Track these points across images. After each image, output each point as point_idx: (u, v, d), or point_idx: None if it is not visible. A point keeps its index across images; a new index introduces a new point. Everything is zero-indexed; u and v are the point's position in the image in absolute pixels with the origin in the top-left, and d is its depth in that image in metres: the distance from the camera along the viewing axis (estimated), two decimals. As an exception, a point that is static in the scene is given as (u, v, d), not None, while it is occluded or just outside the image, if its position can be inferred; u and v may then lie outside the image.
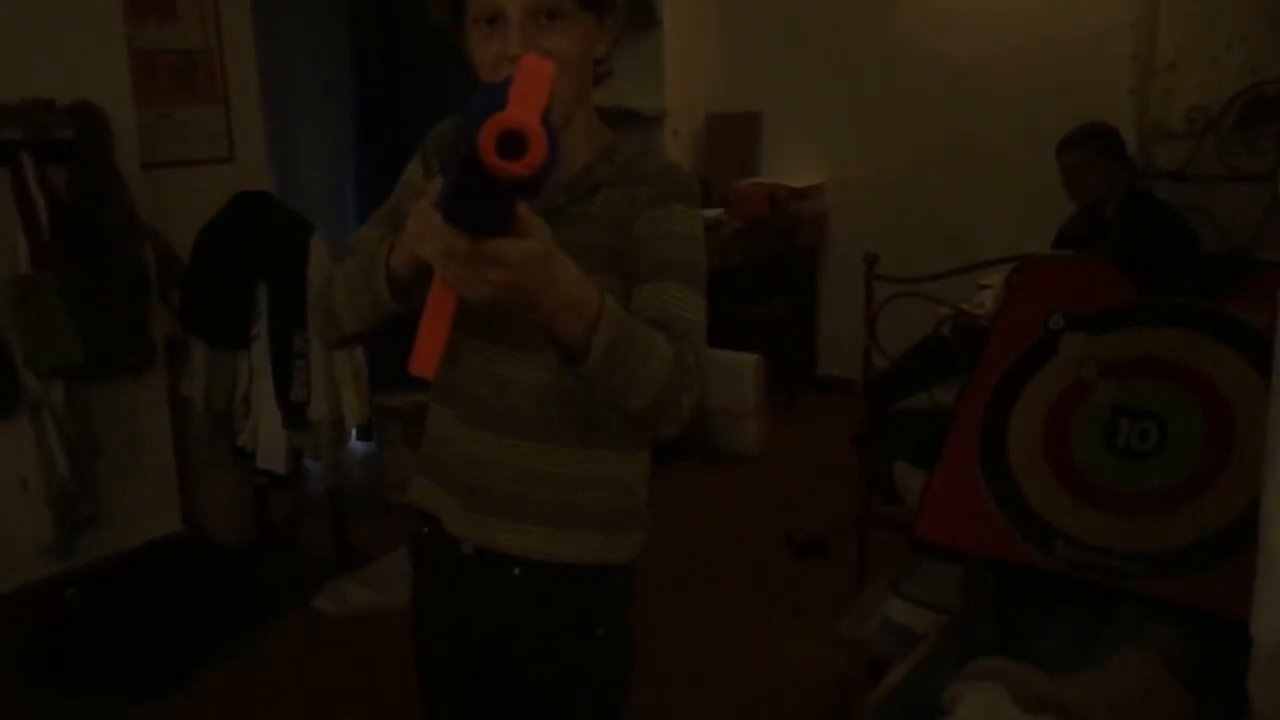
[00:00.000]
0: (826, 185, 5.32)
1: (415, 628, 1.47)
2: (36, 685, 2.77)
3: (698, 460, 4.39)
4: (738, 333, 4.45)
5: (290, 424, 3.22)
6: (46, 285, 2.93)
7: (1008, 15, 4.59)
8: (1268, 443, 0.99)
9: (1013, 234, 3.79)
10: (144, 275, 3.24)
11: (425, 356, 0.98)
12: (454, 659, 1.43)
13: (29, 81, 2.96)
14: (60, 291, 2.95)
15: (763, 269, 4.99)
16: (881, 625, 2.43)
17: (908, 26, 4.90)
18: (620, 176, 1.27)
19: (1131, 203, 3.42)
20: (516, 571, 1.31)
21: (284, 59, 4.44)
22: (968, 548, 1.98)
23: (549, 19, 1.17)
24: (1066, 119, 3.61)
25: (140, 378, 3.33)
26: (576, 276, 1.04)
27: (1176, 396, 1.85)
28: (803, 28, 5.23)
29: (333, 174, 4.80)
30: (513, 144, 0.84)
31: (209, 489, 3.55)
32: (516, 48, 1.14)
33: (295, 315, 3.18)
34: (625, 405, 1.13)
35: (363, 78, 4.70)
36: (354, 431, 3.58)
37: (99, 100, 3.10)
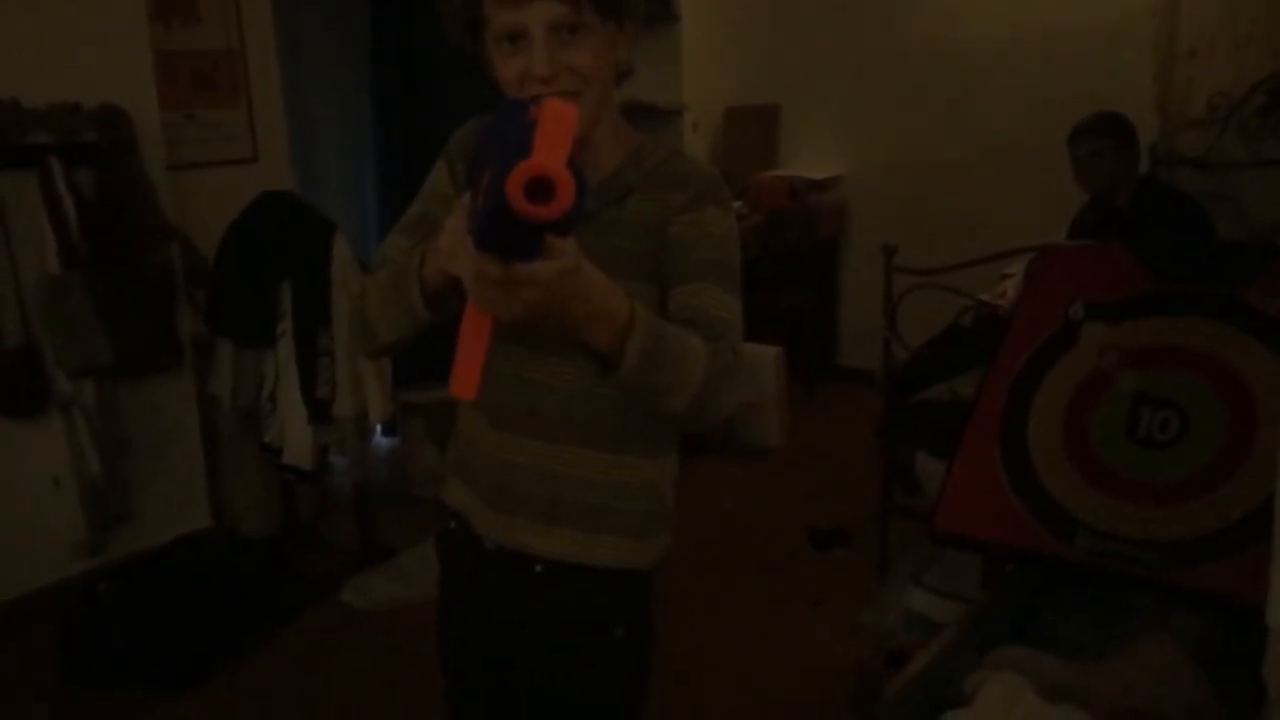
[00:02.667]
0: (846, 176, 5.31)
1: (439, 620, 1.49)
2: (72, 679, 2.82)
3: (719, 452, 4.41)
4: (758, 325, 4.43)
5: (315, 421, 3.26)
6: (75, 286, 2.98)
7: (1026, 4, 4.56)
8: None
9: (1034, 223, 3.79)
10: (170, 275, 3.29)
11: (466, 379, 0.99)
12: (475, 652, 1.44)
13: (55, 85, 3.01)
14: (89, 292, 3.00)
15: (782, 261, 4.99)
16: (903, 615, 2.45)
17: (925, 16, 4.88)
18: (651, 181, 1.27)
19: (1142, 190, 3.39)
20: (538, 569, 1.32)
21: (305, 60, 4.47)
22: (988, 538, 1.99)
23: (571, 33, 1.16)
24: (1086, 108, 3.59)
25: (168, 376, 3.38)
26: (606, 286, 1.05)
27: (1197, 385, 1.85)
28: (820, 20, 5.22)
29: (354, 174, 4.83)
30: (541, 189, 0.86)
31: (237, 485, 3.59)
32: (542, 67, 1.15)
33: (319, 313, 3.21)
34: (664, 409, 1.14)
35: (384, 78, 4.73)
36: (378, 428, 3.61)
37: (124, 103, 3.14)
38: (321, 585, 3.29)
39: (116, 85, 3.16)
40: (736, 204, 4.92)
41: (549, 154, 0.87)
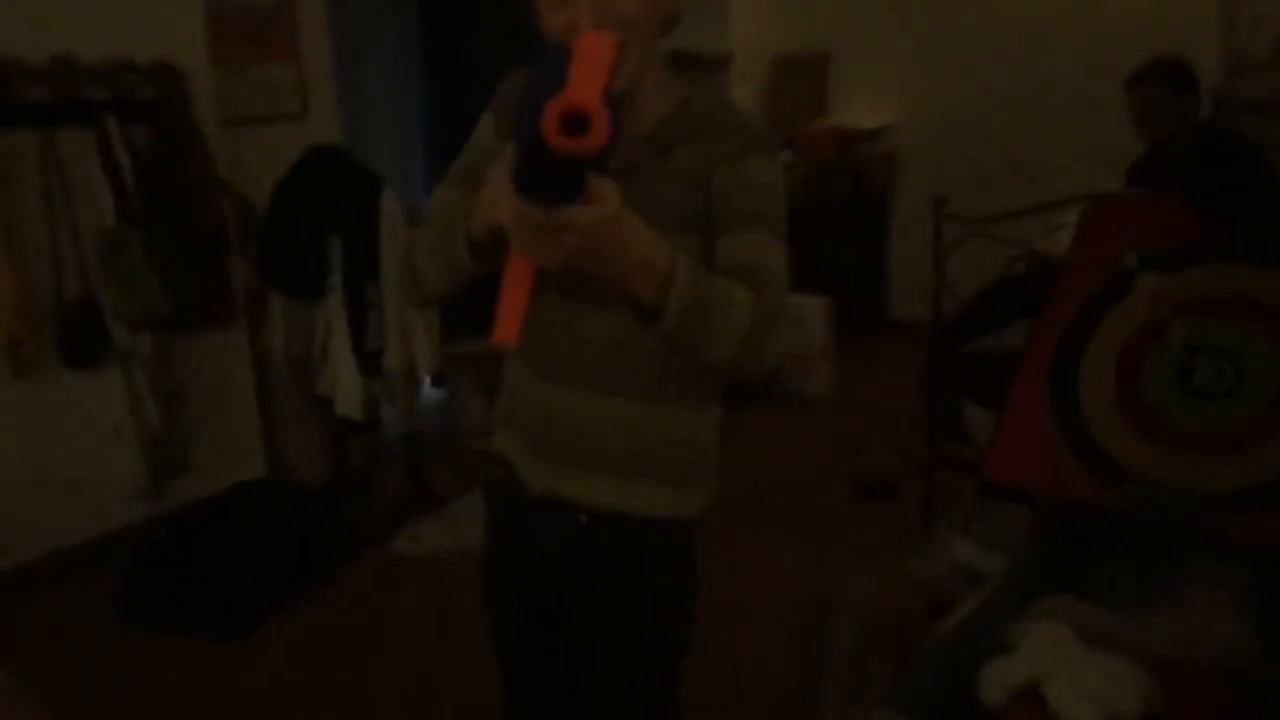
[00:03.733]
0: (895, 126, 5.23)
1: (484, 568, 1.52)
2: (131, 622, 2.92)
3: (767, 403, 4.40)
4: (806, 276, 4.41)
5: (366, 372, 3.31)
6: (132, 240, 3.04)
7: (1085, -55, 4.44)
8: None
9: (1089, 172, 3.70)
10: (223, 229, 3.34)
11: (508, 325, 1.00)
12: (520, 600, 1.47)
13: (109, 41, 3.05)
14: (145, 246, 3.06)
15: (831, 211, 4.94)
16: (948, 566, 2.44)
17: (980, -40, 4.76)
18: (697, 131, 1.26)
19: (1202, 138, 3.30)
20: (582, 519, 1.34)
21: (355, 14, 4.48)
22: (1036, 488, 1.97)
23: None
24: (1145, 52, 3.49)
25: (223, 329, 3.45)
26: (648, 237, 1.06)
27: (1252, 334, 1.81)
28: (871, -35, 5.12)
29: (403, 128, 4.85)
30: (576, 123, 0.85)
31: (290, 435, 3.67)
32: (588, 17, 1.14)
33: (369, 267, 3.25)
34: (708, 357, 1.14)
35: (433, 32, 4.72)
36: (427, 379, 3.66)
37: (176, 59, 3.18)
38: (373, 533, 3.37)
39: (168, 41, 3.20)
40: (784, 155, 4.87)
41: (584, 87, 0.86)
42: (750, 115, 1.32)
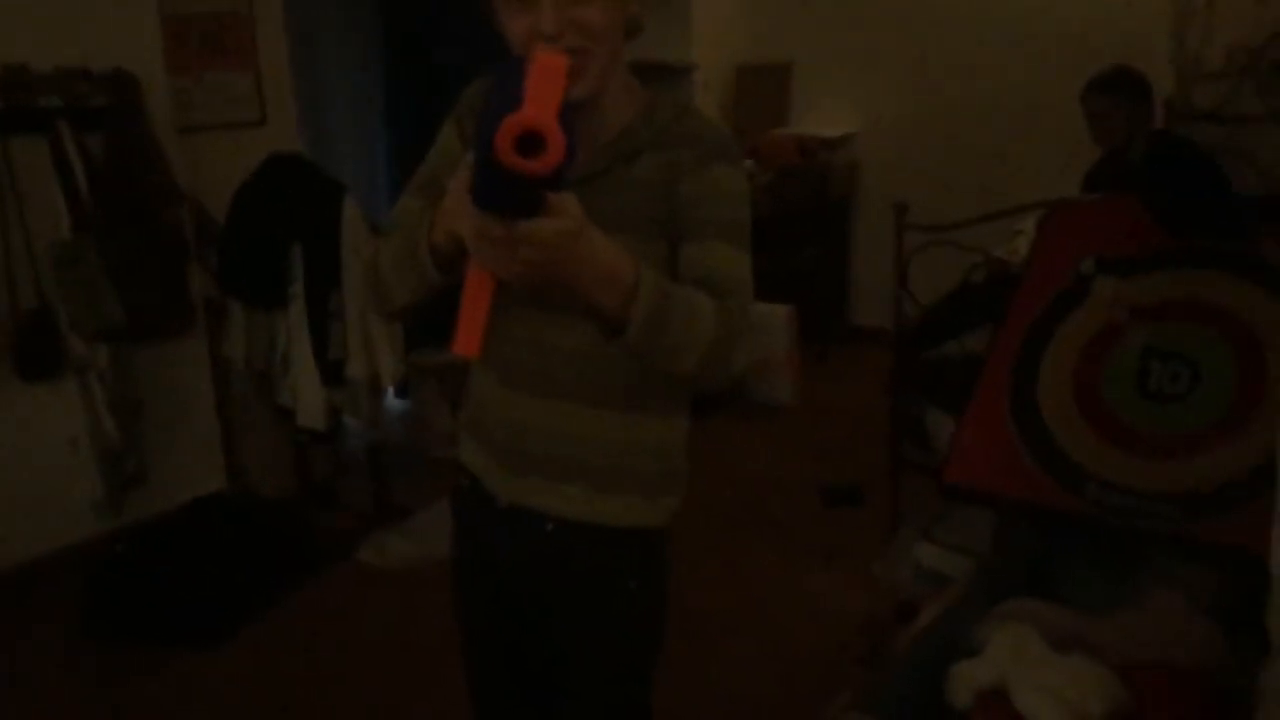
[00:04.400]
0: (858, 135, 5.27)
1: (453, 578, 1.50)
2: (94, 637, 2.86)
3: (732, 411, 4.42)
4: (769, 284, 4.42)
5: (328, 382, 3.28)
6: (87, 249, 2.99)
7: (1041, -44, 4.51)
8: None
9: (1047, 179, 3.75)
10: (182, 238, 3.30)
11: (468, 337, 1.00)
12: (490, 610, 1.46)
13: (63, 50, 3.00)
14: (101, 255, 3.01)
15: (794, 220, 4.97)
16: (914, 570, 2.46)
17: (938, -30, 4.82)
18: (661, 139, 1.25)
19: (1157, 145, 3.36)
20: (549, 527, 1.33)
21: (314, 22, 4.45)
22: (997, 491, 1.99)
23: None
24: (1099, 61, 3.54)
25: (181, 339, 3.40)
26: (611, 250, 1.05)
27: (1208, 338, 1.84)
28: (831, -26, 5.17)
29: (364, 135, 4.82)
30: (531, 143, 0.85)
31: (251, 446, 3.62)
32: (550, 24, 1.13)
33: (330, 275, 3.22)
34: (673, 369, 1.14)
35: (394, 39, 4.70)
36: (391, 390, 3.64)
37: (132, 66, 3.14)
38: (337, 545, 3.33)
39: (124, 49, 3.15)
40: (747, 163, 4.90)
41: (539, 107, 0.86)
42: (714, 123, 1.32)
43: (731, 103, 5.43)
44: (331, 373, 3.27)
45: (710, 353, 1.13)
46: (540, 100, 0.87)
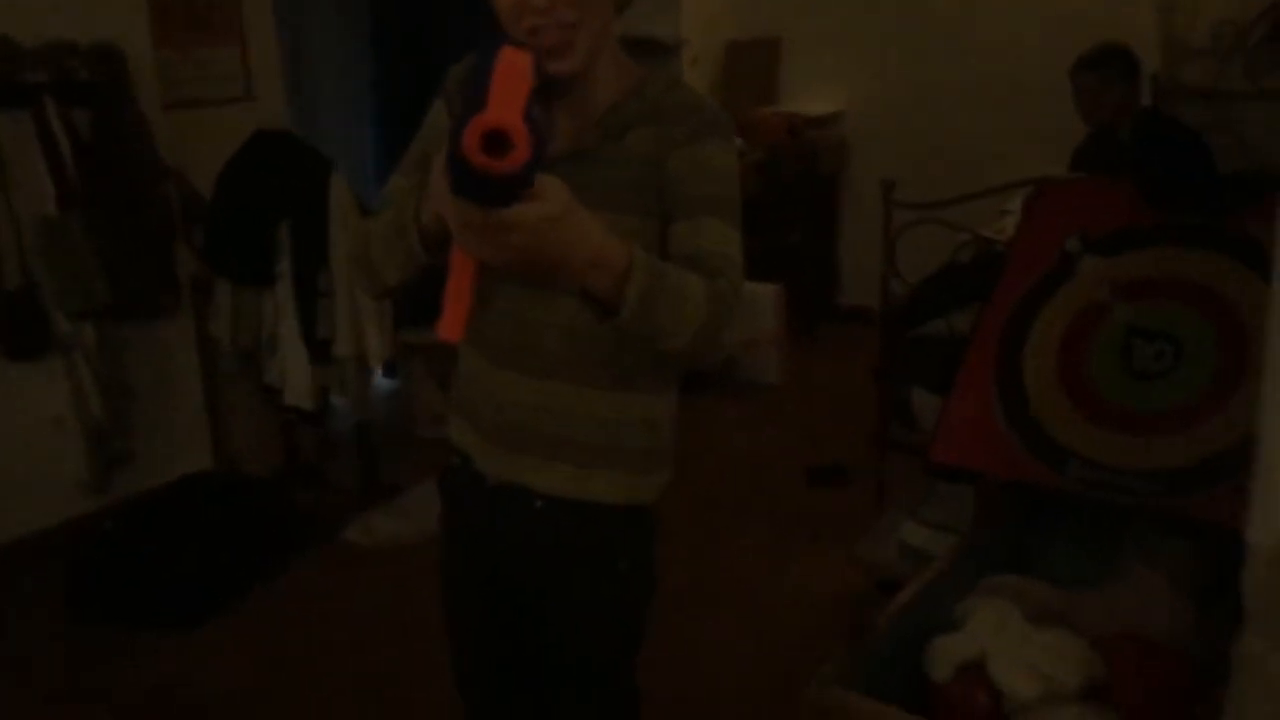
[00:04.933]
0: (847, 112, 5.26)
1: (441, 557, 1.51)
2: (78, 616, 2.87)
3: (720, 390, 4.43)
4: (757, 262, 4.40)
5: (316, 361, 3.27)
6: (73, 226, 2.98)
7: (1031, -66, 4.49)
8: (1265, 343, 1.00)
9: (1036, 157, 3.75)
10: (168, 215, 3.29)
11: (451, 321, 1.00)
12: (478, 587, 1.47)
13: (49, 24, 2.98)
14: (87, 232, 3.00)
15: (782, 198, 4.97)
16: (898, 548, 2.48)
17: (929, -52, 4.81)
18: (651, 115, 1.25)
19: (1144, 123, 3.36)
20: (538, 505, 1.34)
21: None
22: (981, 468, 2.00)
23: None
24: (1088, 39, 3.55)
25: (168, 317, 3.39)
26: (599, 232, 1.04)
27: (1192, 316, 1.85)
28: (822, -49, 5.14)
29: (352, 112, 4.79)
30: (498, 142, 0.86)
31: (239, 425, 3.62)
32: None
33: (318, 253, 3.21)
34: (665, 347, 1.14)
35: (382, 15, 4.67)
36: (379, 369, 3.63)
37: (118, 41, 3.12)
38: (325, 524, 3.34)
39: (111, 23, 3.13)
40: (737, 140, 4.88)
41: (503, 107, 0.87)
42: (705, 98, 1.31)
43: (720, 79, 5.41)
44: (319, 351, 3.26)
45: (701, 332, 1.13)
46: (504, 100, 0.88)
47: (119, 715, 2.52)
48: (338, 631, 2.83)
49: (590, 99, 1.25)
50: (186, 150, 3.44)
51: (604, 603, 1.40)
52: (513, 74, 0.89)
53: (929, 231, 2.81)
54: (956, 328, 2.73)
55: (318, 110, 4.67)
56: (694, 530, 3.23)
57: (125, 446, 3.27)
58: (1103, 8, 4.11)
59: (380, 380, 4.31)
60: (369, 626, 2.85)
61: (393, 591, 2.99)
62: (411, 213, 1.17)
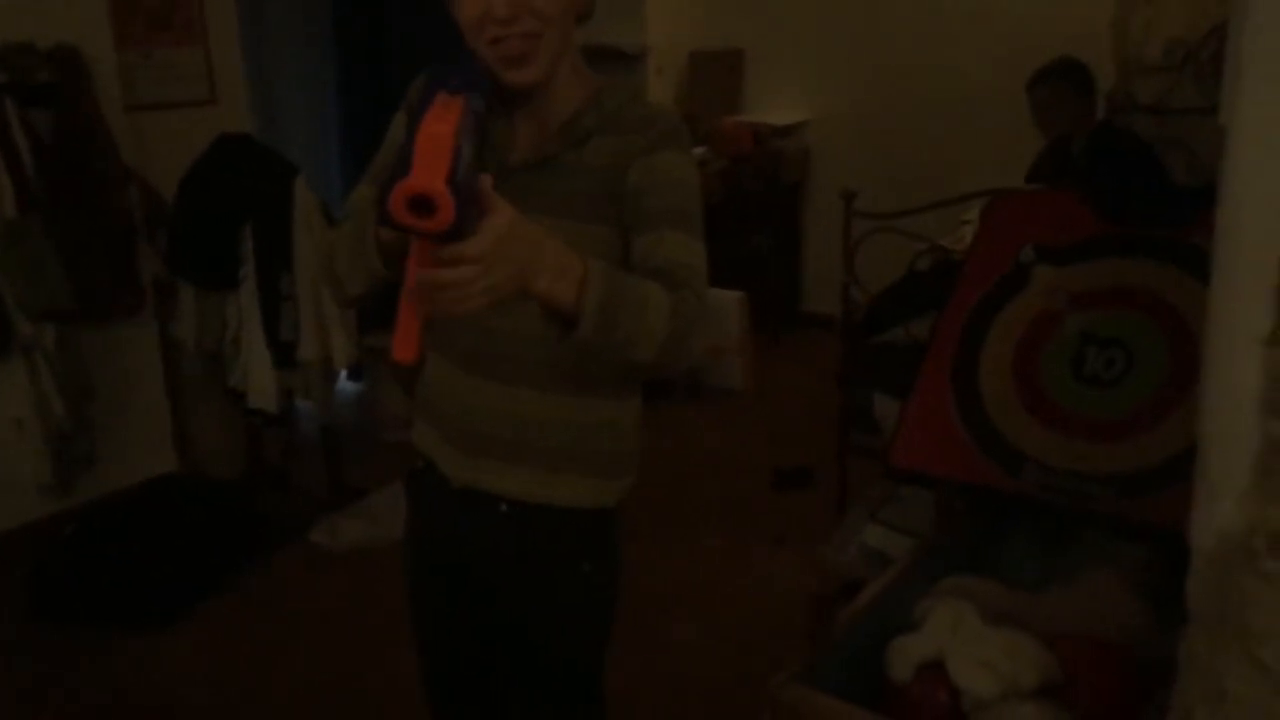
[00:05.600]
0: (810, 123, 5.32)
1: (406, 560, 1.52)
2: (42, 619, 2.84)
3: (686, 396, 4.46)
4: (721, 270, 4.43)
5: (280, 364, 3.26)
6: (33, 228, 2.95)
7: (990, -50, 4.58)
8: (1204, 345, 1.04)
9: (997, 169, 3.82)
10: (130, 218, 3.26)
11: (405, 343, 1.01)
12: (443, 590, 1.48)
13: (8, 24, 2.95)
14: (47, 234, 2.97)
15: (746, 207, 5.01)
16: (859, 550, 2.51)
17: (891, -39, 4.88)
18: (611, 124, 1.26)
19: (1098, 136, 3.44)
20: (503, 509, 1.35)
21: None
22: (940, 473, 2.04)
23: None
24: (1048, 53, 3.62)
25: (130, 320, 3.36)
26: (554, 249, 1.04)
27: (1142, 325, 1.90)
28: (786, -37, 5.20)
29: (317, 116, 4.77)
30: (423, 205, 0.89)
31: (202, 429, 3.60)
32: (502, 8, 1.15)
33: (282, 257, 3.20)
34: (632, 359, 1.13)
35: (345, 21, 4.65)
36: (343, 372, 3.63)
37: (78, 42, 3.09)
38: (290, 527, 3.32)
39: (70, 24, 3.11)
40: (699, 150, 4.93)
41: (427, 173, 0.90)
42: (663, 108, 1.33)
43: (685, 89, 5.45)
44: (283, 355, 3.25)
45: (666, 343, 1.12)
46: (429, 161, 0.91)
47: (84, 717, 2.50)
48: (303, 634, 2.83)
49: (551, 108, 1.27)
50: (149, 152, 3.42)
51: (570, 605, 1.41)
52: (432, 144, 0.92)
53: (889, 241, 2.87)
54: (916, 335, 2.79)
55: (280, 113, 4.64)
56: (660, 532, 3.26)
57: (88, 449, 3.24)
58: (1059, 25, 4.20)
59: (345, 384, 4.30)
60: (335, 629, 2.84)
61: (358, 594, 2.99)
62: (370, 229, 1.17)
